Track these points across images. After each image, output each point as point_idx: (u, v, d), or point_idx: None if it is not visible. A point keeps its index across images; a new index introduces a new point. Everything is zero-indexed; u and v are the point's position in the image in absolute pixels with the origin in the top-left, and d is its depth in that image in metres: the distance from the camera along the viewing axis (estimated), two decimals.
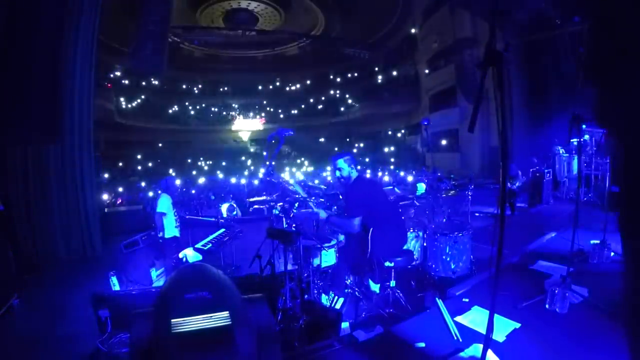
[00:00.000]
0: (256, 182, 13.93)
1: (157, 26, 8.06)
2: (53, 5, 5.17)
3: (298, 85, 29.70)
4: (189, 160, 26.02)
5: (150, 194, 11.72)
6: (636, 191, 0.82)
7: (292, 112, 29.79)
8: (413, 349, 2.09)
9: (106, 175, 15.20)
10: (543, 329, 2.18)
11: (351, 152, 3.56)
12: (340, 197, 3.19)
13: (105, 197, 10.59)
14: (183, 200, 10.28)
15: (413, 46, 21.83)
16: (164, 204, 4.68)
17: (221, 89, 29.72)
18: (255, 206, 8.28)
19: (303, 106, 29.61)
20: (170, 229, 4.70)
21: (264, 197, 5.11)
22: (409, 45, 22.32)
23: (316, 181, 8.95)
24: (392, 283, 3.07)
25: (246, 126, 30.16)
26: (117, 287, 3.79)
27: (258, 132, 29.78)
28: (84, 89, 5.80)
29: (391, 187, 6.74)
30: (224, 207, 9.39)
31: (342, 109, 28.01)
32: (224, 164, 24.95)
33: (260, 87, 29.98)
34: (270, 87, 29.97)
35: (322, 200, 4.28)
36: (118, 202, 12.28)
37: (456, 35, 15.72)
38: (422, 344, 2.11)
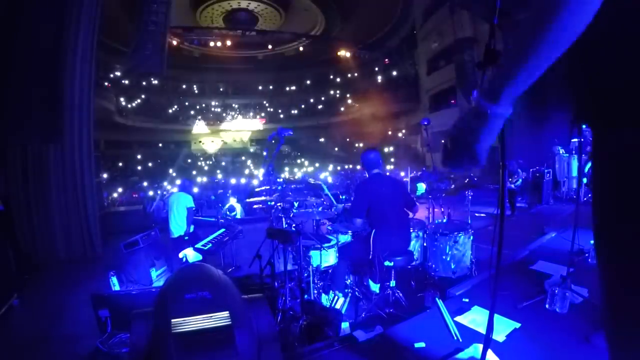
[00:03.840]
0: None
1: (157, 26, 8.06)
2: (53, 5, 5.17)
3: (298, 85, 29.69)
4: (189, 160, 26.03)
5: (151, 193, 11.72)
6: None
7: (292, 112, 29.80)
8: (413, 349, 2.09)
9: (106, 175, 15.19)
10: (543, 329, 2.18)
11: (376, 148, 3.58)
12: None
13: (105, 197, 10.59)
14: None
15: (413, 46, 21.82)
16: (190, 201, 4.96)
17: (221, 89, 29.74)
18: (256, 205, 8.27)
19: (303, 106, 29.60)
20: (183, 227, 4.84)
21: (263, 198, 5.13)
22: (409, 45, 22.30)
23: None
24: (392, 283, 3.07)
25: (246, 126, 30.17)
26: (117, 287, 3.80)
27: (258, 132, 29.80)
28: (84, 89, 5.79)
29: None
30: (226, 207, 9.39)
31: (342, 109, 27.99)
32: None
33: (260, 87, 29.98)
34: (270, 87, 29.97)
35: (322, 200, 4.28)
36: (118, 202, 12.30)
37: (456, 35, 15.71)
38: (422, 344, 2.11)
